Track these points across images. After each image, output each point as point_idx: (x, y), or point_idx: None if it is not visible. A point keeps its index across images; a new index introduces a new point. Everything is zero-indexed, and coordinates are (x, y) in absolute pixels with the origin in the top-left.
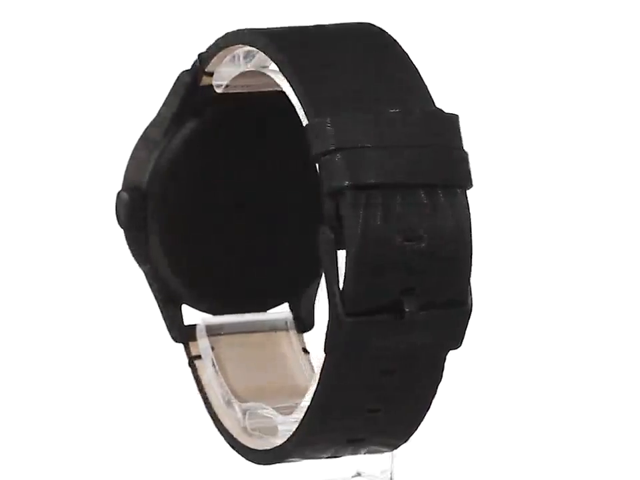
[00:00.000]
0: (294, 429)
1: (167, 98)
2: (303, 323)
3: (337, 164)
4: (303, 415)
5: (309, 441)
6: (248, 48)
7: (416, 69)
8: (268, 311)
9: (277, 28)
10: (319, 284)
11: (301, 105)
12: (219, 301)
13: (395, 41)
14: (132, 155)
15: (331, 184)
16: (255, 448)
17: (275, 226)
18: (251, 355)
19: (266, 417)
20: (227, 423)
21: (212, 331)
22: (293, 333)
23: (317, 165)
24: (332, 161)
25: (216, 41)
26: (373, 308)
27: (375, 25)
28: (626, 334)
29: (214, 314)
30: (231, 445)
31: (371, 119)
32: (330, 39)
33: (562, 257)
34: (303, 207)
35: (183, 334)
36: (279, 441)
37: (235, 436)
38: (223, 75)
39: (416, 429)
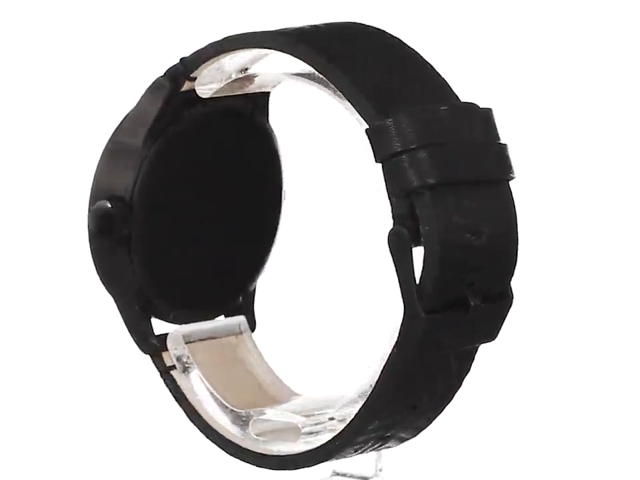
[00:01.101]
0: (340, 429)
1: (140, 104)
2: (252, 324)
3: (407, 165)
4: (354, 414)
5: (353, 440)
6: (249, 52)
7: (431, 66)
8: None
9: (282, 29)
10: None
11: (356, 107)
12: (185, 310)
13: (400, 40)
14: (104, 162)
15: (402, 185)
16: (266, 453)
17: (234, 233)
18: (222, 361)
19: (273, 420)
20: (225, 431)
21: (186, 339)
22: (247, 335)
23: (383, 167)
24: (401, 162)
25: (213, 45)
26: (444, 304)
27: (368, 25)
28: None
29: (180, 323)
30: (231, 454)
31: (428, 117)
32: (348, 38)
33: (562, 257)
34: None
35: (155, 345)
36: (299, 444)
37: (237, 443)
38: (209, 80)
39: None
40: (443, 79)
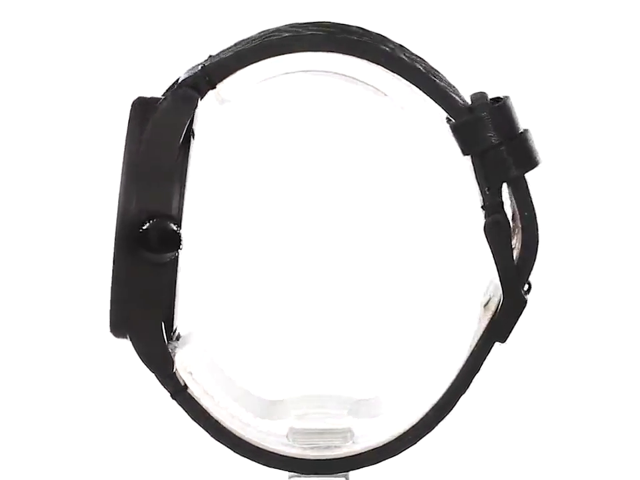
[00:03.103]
0: (407, 428)
1: (165, 117)
2: None
3: (506, 155)
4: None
5: (413, 439)
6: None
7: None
8: None
9: (320, 33)
10: None
11: (443, 104)
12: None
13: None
14: (138, 181)
15: (501, 174)
16: (307, 458)
17: None
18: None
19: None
20: (262, 439)
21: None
22: None
23: (478, 159)
24: (499, 153)
25: (253, 51)
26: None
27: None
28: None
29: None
30: (265, 463)
31: (505, 112)
32: (376, 41)
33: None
34: None
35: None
36: (356, 445)
37: (274, 450)
38: (234, 86)
39: None
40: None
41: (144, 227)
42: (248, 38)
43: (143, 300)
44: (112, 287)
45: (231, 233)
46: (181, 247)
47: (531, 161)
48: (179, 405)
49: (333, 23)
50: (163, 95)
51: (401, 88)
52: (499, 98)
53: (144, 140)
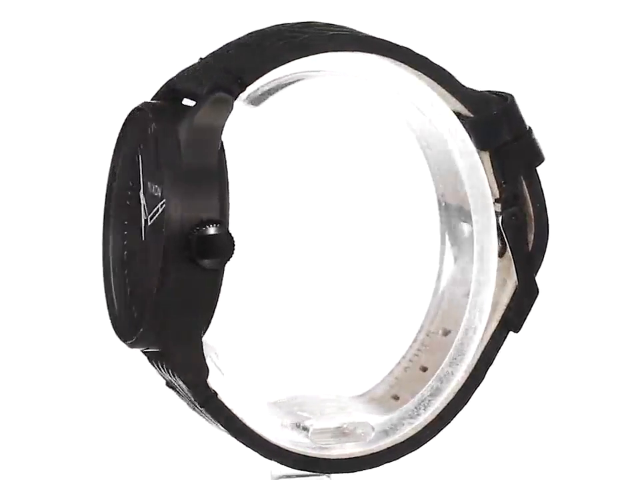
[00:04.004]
0: (427, 421)
1: (200, 122)
2: None
3: (525, 148)
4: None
5: (432, 434)
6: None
7: None
8: None
9: (345, 34)
10: None
11: (465, 100)
12: None
13: None
14: (182, 187)
15: (520, 167)
16: (332, 457)
17: None
18: None
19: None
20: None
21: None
22: None
23: (497, 153)
24: (519, 146)
25: (281, 50)
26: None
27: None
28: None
29: None
30: (302, 467)
31: (510, 108)
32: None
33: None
34: None
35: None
36: (373, 444)
37: (304, 453)
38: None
39: None
40: None
41: (198, 233)
42: (248, 38)
43: (190, 307)
44: (157, 296)
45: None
46: (234, 253)
47: (539, 156)
48: (208, 413)
49: (324, 22)
50: (153, 99)
51: (417, 88)
52: (502, 94)
53: (185, 146)
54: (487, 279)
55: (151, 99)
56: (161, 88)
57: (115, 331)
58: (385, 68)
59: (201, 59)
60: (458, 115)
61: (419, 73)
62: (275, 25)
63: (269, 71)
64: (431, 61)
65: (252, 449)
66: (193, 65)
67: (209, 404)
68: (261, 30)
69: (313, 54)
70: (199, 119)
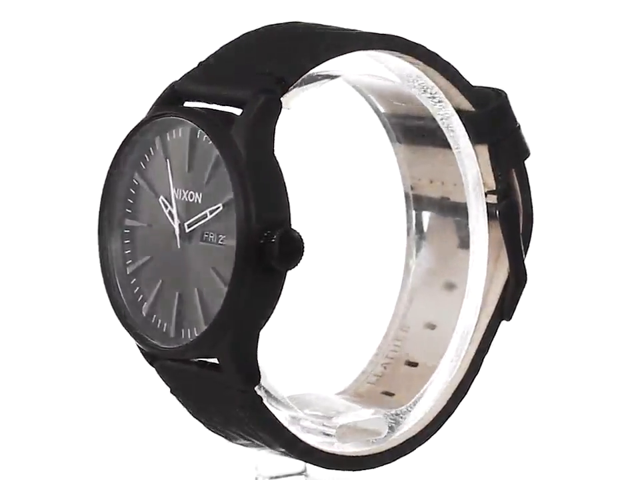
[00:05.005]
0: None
1: (259, 127)
2: None
3: (521, 139)
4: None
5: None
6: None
7: None
8: None
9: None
10: None
11: (469, 95)
12: None
13: None
14: (252, 192)
15: (516, 158)
16: (349, 454)
17: None
18: None
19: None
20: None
21: None
22: None
23: (496, 145)
24: (516, 138)
25: (322, 53)
26: None
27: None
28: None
29: None
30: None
31: (505, 103)
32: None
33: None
34: None
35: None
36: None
37: (337, 452)
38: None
39: None
40: None
41: (269, 237)
42: (266, 37)
43: (256, 311)
44: (226, 299)
45: None
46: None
47: (527, 151)
48: (254, 414)
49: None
50: (158, 104)
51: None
52: (496, 90)
53: (246, 151)
54: (479, 268)
55: (156, 104)
56: (165, 92)
57: (137, 340)
58: (399, 65)
59: (200, 63)
60: (458, 110)
61: (432, 69)
62: (285, 23)
63: (309, 70)
64: (442, 58)
65: (293, 453)
66: (201, 68)
67: (257, 410)
68: (276, 29)
69: (347, 52)
70: (254, 123)
